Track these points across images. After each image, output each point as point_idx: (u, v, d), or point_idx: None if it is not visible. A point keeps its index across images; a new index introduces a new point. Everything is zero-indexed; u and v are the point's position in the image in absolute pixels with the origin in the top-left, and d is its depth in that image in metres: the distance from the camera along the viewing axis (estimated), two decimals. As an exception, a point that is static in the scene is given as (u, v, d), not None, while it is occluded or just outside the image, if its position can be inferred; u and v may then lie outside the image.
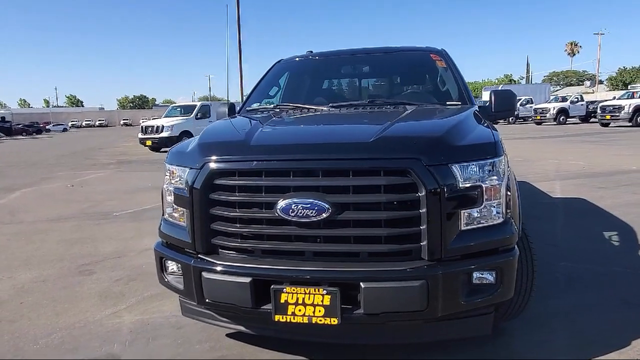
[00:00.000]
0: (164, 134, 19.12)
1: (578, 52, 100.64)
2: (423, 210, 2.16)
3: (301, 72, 4.32)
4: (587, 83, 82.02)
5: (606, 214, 5.86)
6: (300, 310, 2.21)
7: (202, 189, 2.38)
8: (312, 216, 2.17)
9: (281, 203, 2.21)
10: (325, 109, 3.39)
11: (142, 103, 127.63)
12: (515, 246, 2.37)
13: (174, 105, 24.53)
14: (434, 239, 2.18)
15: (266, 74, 4.21)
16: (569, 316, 3.09)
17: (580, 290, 3.50)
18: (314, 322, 2.20)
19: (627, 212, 5.78)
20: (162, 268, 2.70)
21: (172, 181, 2.64)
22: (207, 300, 2.41)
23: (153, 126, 19.65)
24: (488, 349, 2.68)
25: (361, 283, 2.15)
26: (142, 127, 20.30)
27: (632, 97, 27.74)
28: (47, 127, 69.65)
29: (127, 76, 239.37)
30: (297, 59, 4.33)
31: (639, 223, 5.27)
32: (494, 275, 2.29)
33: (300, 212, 2.18)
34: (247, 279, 2.26)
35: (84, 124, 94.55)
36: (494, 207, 2.32)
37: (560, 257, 4.22)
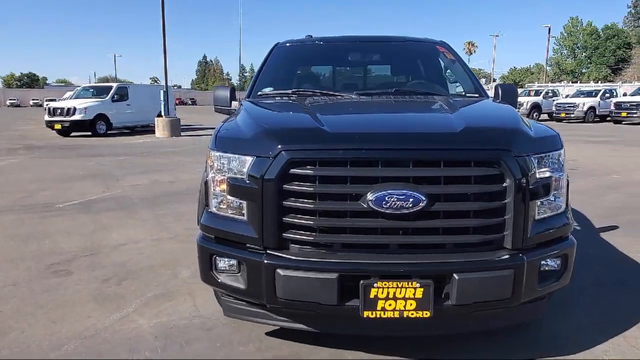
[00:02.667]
0: (77, 117, 17.43)
1: (475, 51, 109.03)
2: (508, 201, 2.19)
3: (308, 57, 4.14)
4: (483, 80, 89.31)
5: None
6: (390, 305, 2.14)
7: (276, 179, 2.19)
8: (407, 208, 2.10)
9: (373, 194, 2.11)
10: (354, 96, 3.30)
11: (31, 82, 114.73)
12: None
13: (85, 85, 22.41)
14: (517, 228, 2.22)
15: (268, 57, 3.98)
16: None
17: None
18: (405, 316, 2.15)
19: None
20: (211, 266, 2.45)
21: (225, 170, 2.39)
22: (280, 299, 2.23)
23: (63, 108, 17.76)
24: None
25: (454, 274, 2.13)
26: (48, 108, 18.26)
27: (529, 95, 30.91)
28: None
29: (11, 51, 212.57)
30: (299, 43, 4.15)
31: None
32: (559, 262, 2.41)
33: (395, 204, 2.10)
34: (334, 275, 2.13)
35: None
36: (559, 197, 2.43)
37: None
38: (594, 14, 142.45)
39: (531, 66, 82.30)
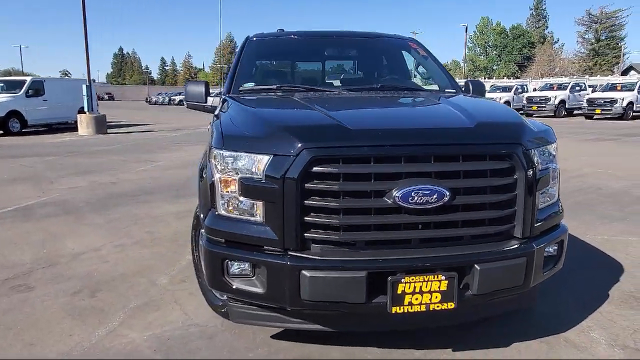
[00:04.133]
0: (-15, 114, 15.70)
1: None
2: (518, 192, 2.31)
3: (285, 52, 4.03)
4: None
5: None
6: (417, 299, 2.17)
7: (299, 178, 2.12)
8: (432, 202, 2.14)
9: (399, 190, 2.12)
10: (344, 92, 3.28)
11: None
12: None
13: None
14: (525, 218, 2.34)
15: (242, 52, 3.83)
16: None
17: None
18: (431, 309, 2.19)
19: None
20: (223, 271, 2.33)
21: (236, 170, 2.28)
22: (305, 301, 2.17)
23: (-33, 104, 15.93)
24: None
25: (475, 265, 2.21)
26: (-50, 104, 16.27)
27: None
28: None
29: None
30: (273, 37, 4.03)
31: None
32: (557, 247, 2.58)
33: (421, 199, 2.13)
34: (362, 273, 2.12)
35: None
36: (553, 187, 2.60)
37: None
38: (502, 14, 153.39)
39: (448, 63, 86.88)
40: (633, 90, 23.73)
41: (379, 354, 2.57)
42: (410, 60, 4.09)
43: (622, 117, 22.98)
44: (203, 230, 2.49)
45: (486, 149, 2.26)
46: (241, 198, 2.28)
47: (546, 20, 76.24)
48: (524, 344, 2.66)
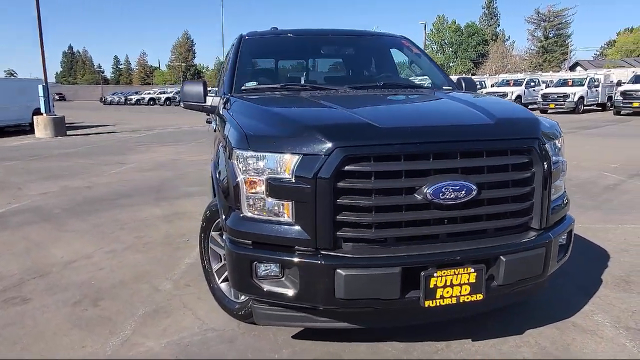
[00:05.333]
0: None
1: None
2: (535, 185, 2.40)
3: (282, 50, 4.00)
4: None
5: None
6: (448, 292, 2.23)
7: (331, 177, 2.13)
8: (461, 197, 2.20)
9: (430, 186, 2.16)
10: (349, 90, 3.30)
11: None
12: None
13: None
14: (542, 210, 2.45)
15: (238, 50, 3.77)
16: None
17: None
18: (461, 301, 2.25)
19: None
20: (251, 274, 2.30)
21: (262, 171, 2.26)
22: (339, 300, 2.19)
23: None
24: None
25: (501, 257, 2.29)
26: None
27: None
28: None
29: None
30: (269, 35, 3.99)
31: None
32: (566, 237, 2.70)
33: (451, 194, 2.18)
34: (397, 269, 2.15)
35: None
36: (562, 179, 2.72)
37: None
38: (456, 12, 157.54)
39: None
40: (583, 85, 25.00)
41: (403, 347, 2.62)
42: (404, 58, 4.15)
43: (574, 111, 24.16)
44: (226, 232, 2.45)
45: (508, 144, 2.34)
46: (269, 199, 2.26)
47: (498, 19, 78.98)
48: (537, 330, 2.78)
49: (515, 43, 79.25)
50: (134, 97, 56.84)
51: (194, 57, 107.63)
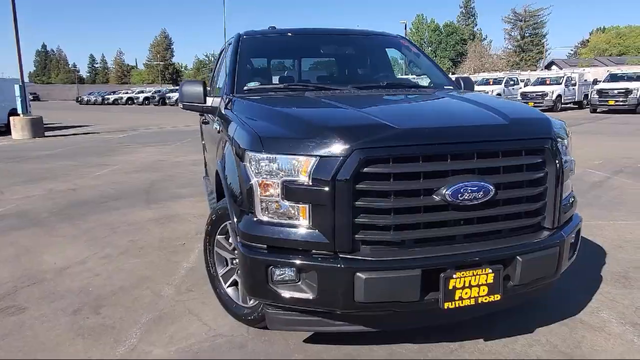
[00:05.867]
0: None
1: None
2: (548, 185, 2.41)
3: (282, 50, 3.95)
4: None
5: None
6: (466, 294, 2.22)
7: (351, 179, 2.10)
8: (479, 198, 2.19)
9: (449, 187, 2.15)
10: (354, 90, 3.28)
11: None
12: None
13: None
14: (554, 209, 2.46)
15: (237, 50, 3.68)
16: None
17: None
18: (479, 302, 2.24)
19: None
20: (267, 279, 2.25)
21: (276, 174, 2.21)
22: (359, 303, 2.15)
23: None
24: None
25: (517, 257, 2.29)
26: None
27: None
28: None
29: None
30: (268, 35, 3.93)
31: None
32: (575, 235, 2.72)
33: (469, 195, 2.17)
34: (417, 271, 2.13)
35: None
36: (570, 178, 2.74)
37: None
38: (435, 12, 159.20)
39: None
40: (560, 84, 25.55)
41: (416, 349, 2.60)
42: (407, 58, 4.14)
43: (552, 109, 24.65)
44: (238, 237, 2.39)
45: (522, 144, 2.35)
46: (285, 202, 2.22)
47: (475, 18, 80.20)
48: (547, 328, 2.80)
49: (492, 42, 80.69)
50: (111, 97, 55.78)
51: (173, 56, 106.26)
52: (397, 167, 2.14)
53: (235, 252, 2.86)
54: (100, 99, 56.80)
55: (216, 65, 5.38)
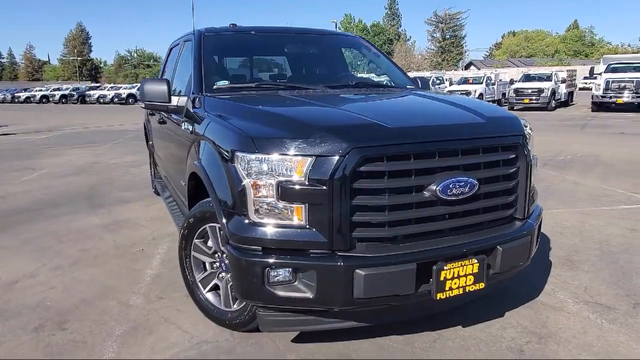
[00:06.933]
0: None
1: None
2: (520, 178, 2.61)
3: (246, 48, 3.86)
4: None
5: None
6: (455, 284, 2.35)
7: (348, 178, 2.14)
8: (466, 193, 2.33)
9: (438, 184, 2.26)
10: (327, 89, 3.31)
11: None
12: None
13: None
14: (525, 201, 2.66)
15: (200, 47, 3.57)
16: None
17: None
18: (467, 291, 2.38)
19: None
20: (263, 280, 2.23)
21: (270, 174, 2.20)
22: (358, 299, 2.20)
23: None
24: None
25: (498, 246, 2.45)
26: None
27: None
28: None
29: None
30: (230, 32, 3.83)
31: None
32: (538, 224, 2.95)
33: (457, 190, 2.30)
34: (413, 265, 2.22)
35: None
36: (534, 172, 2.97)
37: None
38: (362, 11, 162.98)
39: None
40: (482, 83, 27.27)
41: (403, 340, 2.70)
42: (366, 57, 4.23)
43: (475, 107, 26.27)
44: (230, 240, 2.34)
45: (499, 141, 2.52)
46: (279, 202, 2.21)
47: (399, 19, 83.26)
48: (514, 311, 3.02)
49: (416, 43, 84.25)
50: (23, 95, 51.24)
51: (91, 51, 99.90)
52: (391, 165, 2.21)
53: (216, 255, 2.81)
54: (9, 96, 52.01)
55: (165, 63, 5.18)
